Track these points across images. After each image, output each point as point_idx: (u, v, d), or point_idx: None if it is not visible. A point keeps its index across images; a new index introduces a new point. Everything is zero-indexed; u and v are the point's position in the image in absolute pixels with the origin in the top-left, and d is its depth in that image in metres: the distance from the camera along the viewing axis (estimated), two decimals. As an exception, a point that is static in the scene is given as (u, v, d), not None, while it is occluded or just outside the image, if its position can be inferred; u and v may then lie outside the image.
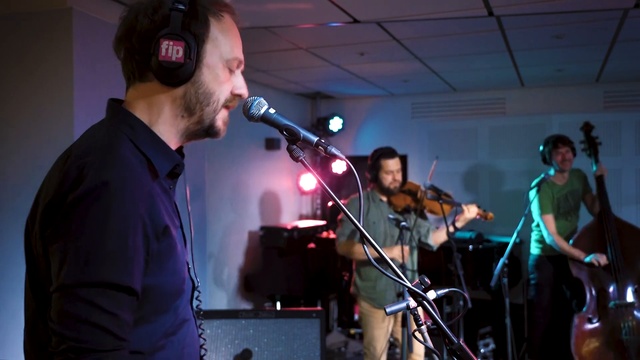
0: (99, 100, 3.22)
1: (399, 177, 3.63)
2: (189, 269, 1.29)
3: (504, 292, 3.72)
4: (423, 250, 3.87)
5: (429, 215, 3.91)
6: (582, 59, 4.72)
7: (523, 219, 3.83)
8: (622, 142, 5.61)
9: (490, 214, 3.60)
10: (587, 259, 4.09)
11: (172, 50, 1.15)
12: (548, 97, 5.97)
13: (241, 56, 1.26)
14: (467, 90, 6.20)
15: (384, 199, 3.68)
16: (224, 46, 1.22)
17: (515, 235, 3.76)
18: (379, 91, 6.24)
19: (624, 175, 5.64)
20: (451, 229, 3.59)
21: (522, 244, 5.65)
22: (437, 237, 3.67)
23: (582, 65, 4.99)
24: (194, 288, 1.32)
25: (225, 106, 1.25)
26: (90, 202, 1.04)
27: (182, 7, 1.16)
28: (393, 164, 3.60)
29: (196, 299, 1.37)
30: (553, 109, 5.92)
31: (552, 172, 4.41)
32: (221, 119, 1.25)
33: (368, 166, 3.72)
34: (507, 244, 3.86)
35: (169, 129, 1.22)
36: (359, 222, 1.20)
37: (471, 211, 3.53)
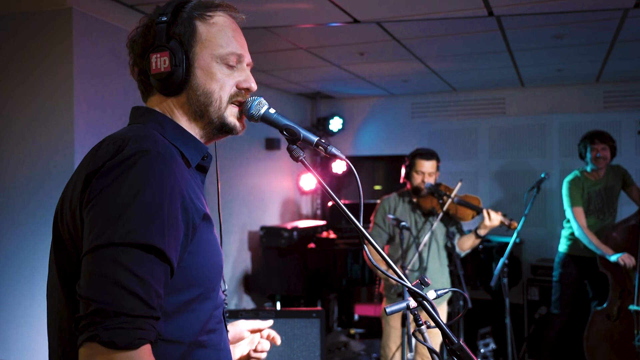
0: (99, 100, 3.25)
1: (429, 180, 3.54)
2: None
3: (504, 292, 3.71)
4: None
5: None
6: (582, 59, 4.72)
7: (523, 219, 3.82)
8: (622, 142, 5.61)
9: (515, 223, 3.44)
10: (614, 258, 3.95)
11: (159, 61, 1.19)
12: (548, 97, 5.97)
13: (239, 50, 1.25)
14: (467, 90, 6.20)
15: (415, 199, 3.64)
16: (214, 44, 1.22)
17: (515, 235, 3.76)
18: (379, 91, 6.24)
19: (624, 175, 5.64)
20: (472, 237, 3.52)
21: (522, 244, 5.66)
22: (462, 244, 3.59)
23: (582, 65, 4.99)
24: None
25: (236, 102, 1.25)
26: (129, 165, 1.04)
27: (165, 19, 1.19)
28: (426, 166, 3.52)
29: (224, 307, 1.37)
30: (553, 109, 5.92)
31: (588, 167, 4.33)
32: (231, 115, 1.25)
33: (404, 163, 3.66)
34: (507, 244, 3.85)
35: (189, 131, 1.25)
36: (360, 222, 1.20)
37: (493, 219, 3.39)
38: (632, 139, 5.63)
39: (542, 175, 4.00)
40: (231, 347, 1.47)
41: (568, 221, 4.38)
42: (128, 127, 1.22)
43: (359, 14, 3.44)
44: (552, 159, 5.85)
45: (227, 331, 1.32)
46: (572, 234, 4.34)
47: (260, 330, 1.52)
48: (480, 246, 5.06)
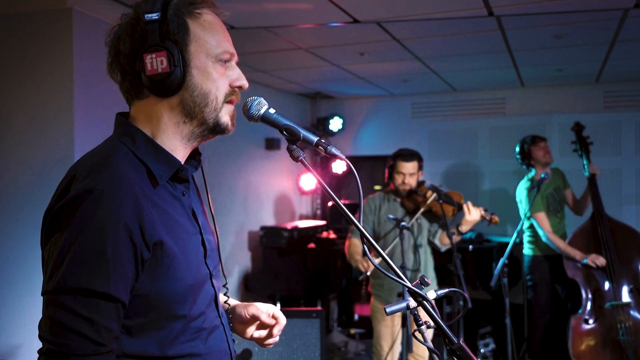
0: (98, 100, 3.24)
1: (410, 180, 3.58)
2: (211, 275, 1.27)
3: (504, 292, 3.72)
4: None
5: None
6: (582, 59, 4.72)
7: (523, 218, 3.83)
8: (622, 142, 5.61)
9: (496, 218, 3.50)
10: (584, 260, 4.08)
11: (156, 62, 1.15)
12: (548, 97, 5.96)
13: (230, 48, 1.23)
14: (467, 90, 6.20)
15: (398, 199, 3.68)
16: (208, 43, 1.20)
17: (515, 235, 3.76)
18: (379, 91, 6.24)
19: (624, 175, 5.64)
20: (456, 234, 3.55)
21: (522, 244, 5.65)
22: (443, 239, 3.64)
23: (582, 65, 4.99)
24: (216, 296, 1.29)
25: (228, 101, 1.24)
26: (72, 209, 1.06)
27: (156, 17, 1.16)
28: (406, 167, 3.57)
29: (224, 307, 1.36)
30: (553, 109, 5.92)
31: (533, 172, 4.41)
32: (226, 114, 1.24)
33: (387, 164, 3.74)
34: (507, 244, 3.85)
35: (172, 137, 1.22)
36: (360, 222, 1.20)
37: (473, 213, 3.44)
38: (632, 139, 5.63)
39: (543, 175, 4.00)
40: (243, 327, 1.45)
41: (530, 227, 4.44)
42: (103, 142, 1.23)
43: (359, 14, 3.44)
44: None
45: (223, 325, 1.30)
46: (534, 237, 4.43)
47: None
48: (480, 246, 5.07)
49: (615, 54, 4.51)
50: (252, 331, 1.45)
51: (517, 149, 4.51)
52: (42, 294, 1.08)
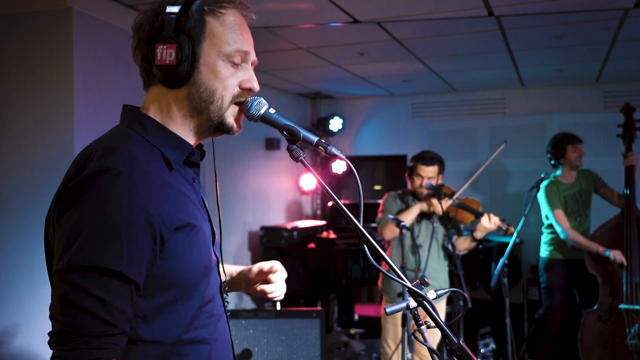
0: (99, 100, 3.24)
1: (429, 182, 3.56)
2: (219, 263, 1.30)
3: (504, 292, 3.71)
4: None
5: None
6: (582, 59, 4.72)
7: (523, 219, 3.82)
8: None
9: (512, 228, 3.44)
10: (607, 253, 3.93)
11: (165, 53, 1.17)
12: (548, 97, 5.96)
13: (246, 48, 1.23)
14: (467, 90, 6.20)
15: (416, 201, 3.65)
16: (222, 42, 1.20)
17: (515, 235, 3.75)
18: (379, 91, 6.24)
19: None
20: (468, 240, 3.52)
21: (522, 244, 5.65)
22: (459, 245, 3.60)
23: (582, 65, 4.99)
24: (222, 284, 1.31)
25: (237, 102, 1.24)
26: (88, 187, 1.06)
27: (176, 10, 1.17)
28: (425, 170, 3.53)
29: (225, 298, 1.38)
30: (553, 109, 5.92)
31: (559, 172, 4.33)
32: (231, 115, 1.24)
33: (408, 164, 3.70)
34: (507, 244, 3.84)
35: (181, 128, 1.24)
36: (360, 220, 1.20)
37: (493, 222, 3.39)
38: (632, 139, 5.62)
39: (542, 175, 3.99)
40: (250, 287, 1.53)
41: (547, 227, 4.37)
42: (109, 131, 1.23)
43: (359, 14, 3.44)
44: (552, 159, 5.84)
45: (226, 315, 1.33)
46: (553, 239, 4.34)
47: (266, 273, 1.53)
48: (480, 246, 5.06)
49: (615, 54, 4.51)
50: (260, 287, 1.52)
51: (551, 144, 4.34)
52: (53, 274, 1.07)
